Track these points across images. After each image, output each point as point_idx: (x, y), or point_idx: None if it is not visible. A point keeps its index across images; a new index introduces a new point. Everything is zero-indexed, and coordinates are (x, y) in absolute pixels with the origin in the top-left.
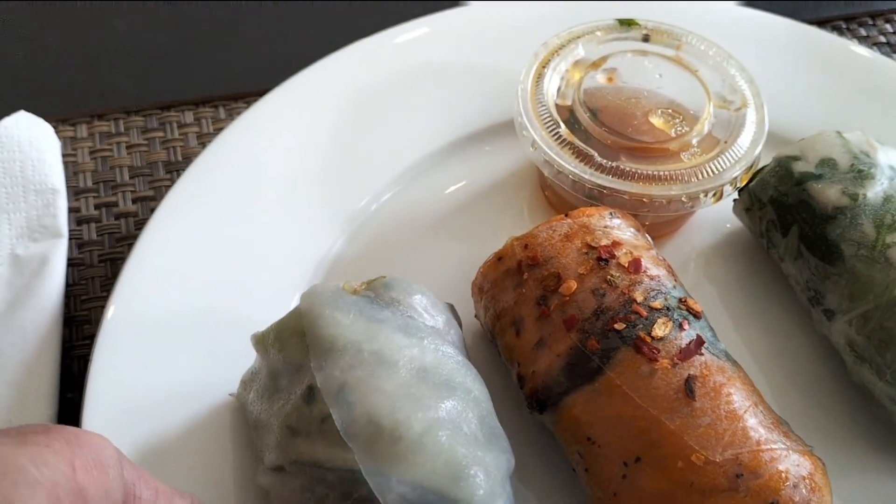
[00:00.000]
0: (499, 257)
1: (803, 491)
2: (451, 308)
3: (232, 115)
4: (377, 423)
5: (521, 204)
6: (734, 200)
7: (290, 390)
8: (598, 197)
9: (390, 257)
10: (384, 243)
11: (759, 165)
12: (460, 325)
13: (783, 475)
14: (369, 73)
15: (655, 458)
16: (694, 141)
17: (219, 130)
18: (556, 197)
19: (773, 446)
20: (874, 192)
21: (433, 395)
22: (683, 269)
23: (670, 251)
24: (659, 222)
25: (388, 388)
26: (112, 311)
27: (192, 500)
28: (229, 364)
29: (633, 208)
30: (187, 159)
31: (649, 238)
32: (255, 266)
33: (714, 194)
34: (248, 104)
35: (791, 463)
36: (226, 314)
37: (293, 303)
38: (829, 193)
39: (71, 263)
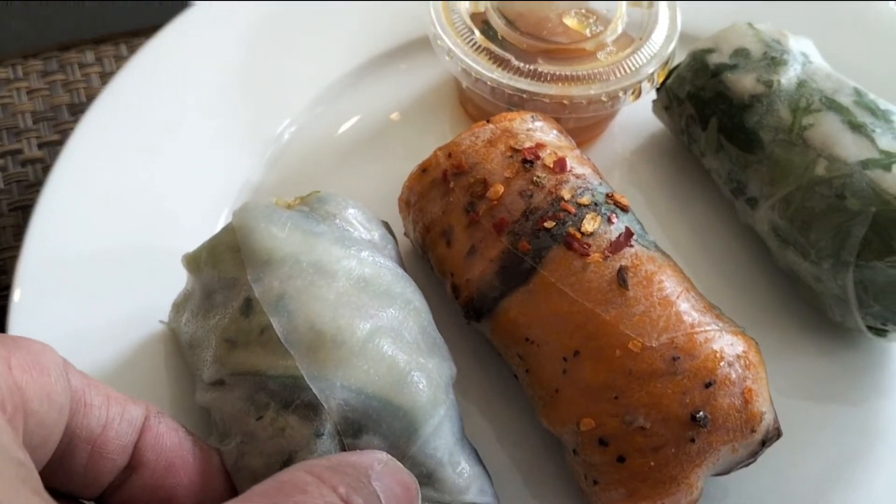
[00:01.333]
0: (423, 168)
1: (739, 368)
2: (386, 225)
3: (135, 52)
4: (319, 330)
5: (442, 121)
6: (653, 101)
7: (227, 305)
8: (518, 103)
9: (313, 181)
10: (306, 168)
11: (675, 63)
12: (396, 242)
13: (718, 355)
14: None
15: (594, 350)
16: (609, 40)
17: None
18: (477, 109)
19: (707, 328)
20: (788, 77)
21: (374, 304)
22: (609, 175)
23: (594, 157)
24: (581, 126)
25: (329, 297)
26: (26, 255)
27: (147, 406)
28: (154, 295)
29: (555, 111)
30: (92, 100)
31: (572, 140)
32: (172, 197)
33: (633, 92)
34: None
35: (725, 343)
36: (146, 247)
37: (216, 230)
38: (745, 82)
39: None
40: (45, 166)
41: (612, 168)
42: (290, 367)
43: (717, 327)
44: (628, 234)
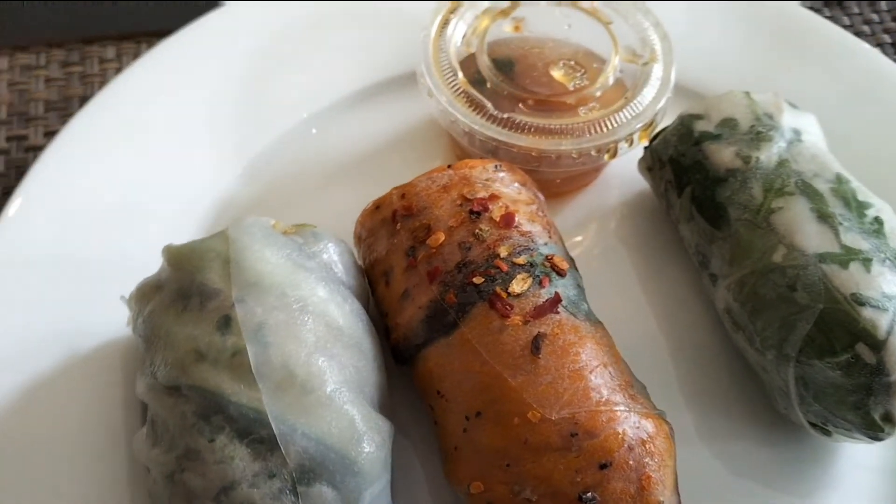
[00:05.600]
0: (377, 206)
1: (640, 454)
2: (364, 273)
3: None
4: (291, 370)
5: (435, 156)
6: (639, 160)
7: (203, 314)
8: (492, 150)
9: (290, 202)
10: (283, 189)
11: (665, 122)
12: (370, 293)
13: (620, 437)
14: (283, 15)
15: (495, 414)
16: (597, 94)
17: None
18: (462, 151)
19: (615, 408)
20: (768, 154)
21: (345, 356)
22: (583, 226)
23: (574, 207)
24: (557, 179)
25: (308, 339)
26: None
27: None
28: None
29: (524, 162)
30: None
31: (538, 194)
32: (147, 202)
33: (608, 151)
34: None
35: (630, 425)
36: (115, 250)
37: (176, 239)
38: (724, 155)
39: None
40: None
41: (589, 219)
42: (256, 399)
43: (625, 408)
44: (556, 300)
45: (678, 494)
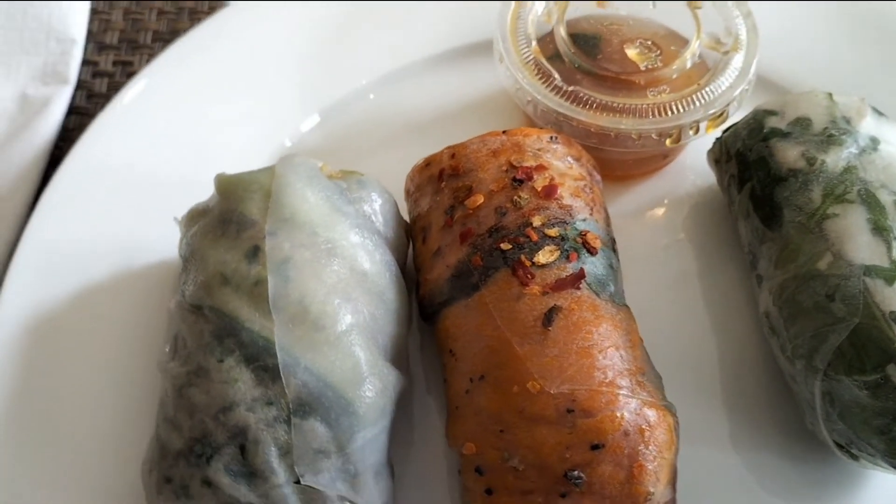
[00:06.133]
0: (427, 163)
1: (635, 441)
2: (408, 226)
3: None
4: (306, 307)
5: (507, 126)
6: (708, 151)
7: (237, 242)
8: (553, 121)
9: (357, 153)
10: (350, 139)
11: (741, 115)
12: (410, 246)
13: (617, 420)
14: None
15: (497, 379)
16: (672, 77)
17: None
18: (529, 121)
19: (616, 390)
20: (835, 158)
21: (363, 300)
22: (647, 212)
23: (642, 191)
24: (629, 159)
25: (328, 280)
26: (71, 157)
27: None
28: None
29: (583, 137)
30: None
31: (593, 172)
32: (222, 134)
33: (670, 136)
34: None
35: (629, 410)
36: (184, 175)
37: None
38: (789, 154)
39: (77, 111)
40: None
41: (653, 205)
42: (268, 328)
43: (628, 392)
44: (579, 275)
45: (674, 490)
